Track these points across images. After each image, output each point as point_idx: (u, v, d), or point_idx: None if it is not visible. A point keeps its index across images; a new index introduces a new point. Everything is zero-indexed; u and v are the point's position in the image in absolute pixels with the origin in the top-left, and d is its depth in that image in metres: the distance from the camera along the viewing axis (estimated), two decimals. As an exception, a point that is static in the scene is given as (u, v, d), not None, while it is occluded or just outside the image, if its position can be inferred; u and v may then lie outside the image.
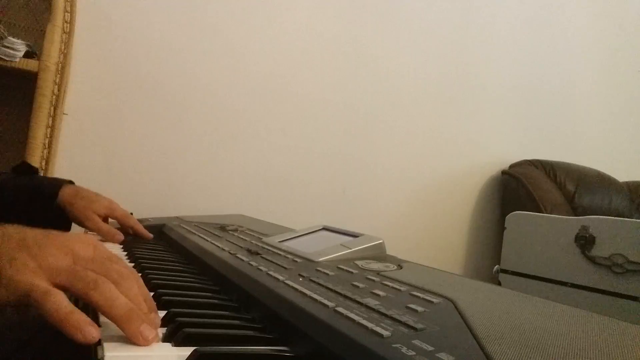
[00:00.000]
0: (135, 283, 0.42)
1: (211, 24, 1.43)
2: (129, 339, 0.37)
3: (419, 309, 0.41)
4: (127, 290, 0.40)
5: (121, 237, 0.86)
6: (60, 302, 0.36)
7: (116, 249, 0.80)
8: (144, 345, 0.37)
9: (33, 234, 0.40)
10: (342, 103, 1.64)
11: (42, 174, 1.03)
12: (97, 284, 0.38)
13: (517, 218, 1.63)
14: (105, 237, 0.84)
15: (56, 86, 1.03)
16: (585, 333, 0.37)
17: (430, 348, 0.32)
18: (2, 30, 1.01)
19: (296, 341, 0.39)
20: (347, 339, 0.35)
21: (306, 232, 0.81)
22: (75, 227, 0.88)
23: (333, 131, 1.63)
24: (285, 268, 0.57)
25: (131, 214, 1.08)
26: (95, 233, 0.85)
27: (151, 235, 0.94)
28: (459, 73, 1.88)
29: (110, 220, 0.92)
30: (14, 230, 0.40)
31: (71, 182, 0.89)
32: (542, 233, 1.51)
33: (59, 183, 0.86)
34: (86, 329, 0.35)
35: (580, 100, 2.23)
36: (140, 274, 0.56)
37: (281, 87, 1.54)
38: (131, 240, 0.88)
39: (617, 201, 1.95)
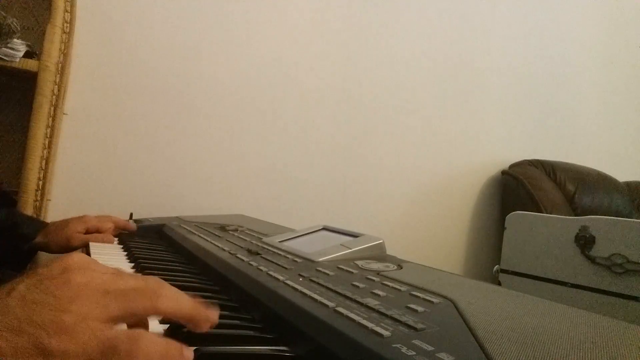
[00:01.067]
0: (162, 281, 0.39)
1: (211, 24, 1.43)
2: (201, 328, 0.36)
3: (419, 309, 0.41)
4: (168, 285, 0.37)
5: (112, 238, 0.87)
6: (154, 341, 0.31)
7: (116, 250, 0.80)
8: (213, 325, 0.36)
9: (25, 285, 0.32)
10: (342, 103, 1.64)
11: (42, 177, 1.02)
12: (155, 292, 0.34)
13: (517, 218, 1.63)
14: (94, 241, 0.84)
15: (56, 86, 1.02)
16: (585, 333, 0.37)
17: (430, 348, 0.32)
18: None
19: (296, 341, 0.39)
20: (347, 339, 0.35)
21: (306, 232, 0.81)
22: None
23: (333, 131, 1.63)
24: (285, 268, 0.57)
25: (131, 214, 1.09)
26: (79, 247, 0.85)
27: (134, 226, 0.95)
28: (459, 73, 1.88)
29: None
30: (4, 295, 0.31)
31: (47, 224, 0.88)
32: (542, 233, 1.51)
33: (39, 225, 0.86)
34: (187, 353, 0.32)
35: (580, 100, 2.23)
36: (140, 274, 0.56)
37: (281, 87, 1.54)
38: (130, 239, 0.88)
39: (617, 201, 1.95)
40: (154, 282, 0.36)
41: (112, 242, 0.86)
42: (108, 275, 0.35)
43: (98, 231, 0.87)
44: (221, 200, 1.45)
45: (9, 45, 1.00)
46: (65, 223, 0.86)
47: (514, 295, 0.49)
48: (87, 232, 0.86)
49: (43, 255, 0.85)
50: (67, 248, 0.83)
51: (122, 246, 0.83)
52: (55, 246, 0.83)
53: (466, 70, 1.90)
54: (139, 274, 0.40)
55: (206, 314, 0.36)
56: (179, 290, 0.37)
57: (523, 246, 1.57)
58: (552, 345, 0.34)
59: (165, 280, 0.57)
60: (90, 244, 0.81)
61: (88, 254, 0.73)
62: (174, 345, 0.32)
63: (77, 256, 0.36)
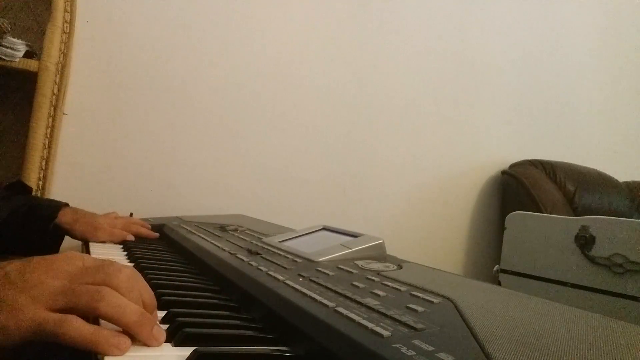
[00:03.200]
0: (135, 283, 0.40)
1: (210, 24, 1.43)
2: (143, 343, 0.37)
3: (419, 309, 0.41)
4: (129, 293, 0.39)
5: (131, 236, 0.88)
6: (80, 325, 0.35)
7: (116, 250, 0.80)
8: (157, 346, 0.37)
9: (14, 267, 0.38)
10: (342, 103, 1.64)
11: (42, 177, 1.03)
12: (101, 295, 0.37)
13: (517, 218, 1.63)
14: (119, 239, 0.86)
15: (56, 86, 1.02)
16: (585, 333, 0.37)
17: (430, 348, 0.32)
18: (5, 25, 1.01)
19: (296, 341, 0.39)
20: (347, 339, 0.35)
21: (306, 232, 0.81)
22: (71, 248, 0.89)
23: (333, 131, 1.63)
24: (285, 268, 0.57)
25: (131, 214, 1.09)
26: (106, 241, 0.86)
27: (156, 234, 0.95)
28: (459, 73, 1.88)
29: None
30: None
31: (67, 205, 0.90)
32: (542, 233, 1.51)
33: (57, 205, 0.87)
34: (119, 341, 0.35)
35: (580, 100, 2.23)
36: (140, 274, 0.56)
37: (281, 87, 1.54)
38: (131, 240, 0.88)
39: (617, 201, 1.95)
40: (116, 282, 0.38)
41: (132, 239, 0.88)
42: (81, 269, 0.39)
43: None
44: (221, 200, 1.45)
45: (5, 45, 1.00)
46: (93, 214, 0.89)
47: (514, 295, 0.49)
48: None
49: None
50: (89, 237, 0.84)
51: (122, 246, 0.84)
52: (80, 232, 0.85)
53: (466, 70, 1.90)
54: (121, 268, 0.41)
55: (148, 333, 0.37)
56: (136, 298, 0.39)
57: (523, 246, 1.57)
58: (552, 345, 0.34)
59: (165, 280, 0.57)
60: (91, 244, 0.81)
61: (88, 253, 0.73)
62: (103, 332, 0.35)
63: (72, 252, 0.41)
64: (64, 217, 0.84)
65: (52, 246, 0.85)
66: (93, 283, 0.38)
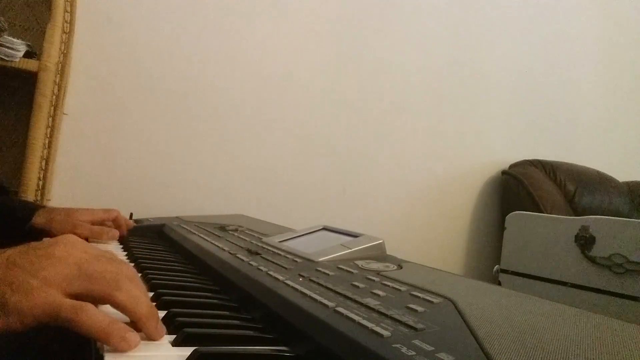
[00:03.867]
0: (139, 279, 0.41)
1: (211, 24, 1.43)
2: (147, 337, 0.37)
3: (419, 309, 0.41)
4: (139, 285, 0.39)
5: (117, 233, 0.85)
6: (96, 314, 0.34)
7: (116, 250, 0.80)
8: (157, 342, 0.37)
9: (15, 251, 0.37)
10: (342, 103, 1.64)
11: (42, 177, 1.02)
12: (119, 283, 0.36)
13: (517, 218, 1.63)
14: (100, 238, 0.83)
15: (56, 86, 1.02)
16: (585, 333, 0.37)
17: (430, 348, 0.32)
18: (2, 22, 1.00)
19: (296, 341, 0.39)
20: (347, 339, 0.35)
21: (306, 232, 0.81)
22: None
23: (333, 131, 1.63)
24: (285, 268, 0.57)
25: (131, 214, 1.09)
26: (89, 238, 0.83)
27: (132, 223, 0.94)
28: (459, 73, 1.88)
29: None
30: None
31: (43, 207, 0.88)
32: (542, 233, 1.51)
33: (32, 207, 0.85)
34: (130, 336, 0.35)
35: (580, 100, 2.23)
36: (140, 274, 0.57)
37: (281, 86, 1.54)
38: (130, 239, 0.88)
39: (617, 201, 1.95)
40: (126, 273, 0.39)
41: (115, 239, 0.85)
42: (87, 255, 0.39)
43: (102, 223, 0.87)
44: (221, 200, 1.45)
45: (5, 44, 1.00)
46: (72, 210, 0.85)
47: (514, 295, 0.49)
48: (93, 224, 0.85)
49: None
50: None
51: (122, 246, 0.83)
52: (59, 231, 0.82)
53: (466, 70, 1.90)
54: (123, 261, 0.41)
55: (155, 328, 0.37)
56: (143, 292, 0.39)
57: (523, 246, 1.57)
58: (552, 345, 0.34)
59: (165, 280, 0.57)
60: (90, 241, 0.81)
61: None
62: (118, 325, 0.34)
63: (71, 235, 0.41)
64: (38, 219, 0.82)
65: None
66: (104, 271, 0.38)
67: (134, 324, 0.37)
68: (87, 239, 0.80)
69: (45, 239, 0.39)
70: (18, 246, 0.38)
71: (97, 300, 0.37)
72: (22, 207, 0.86)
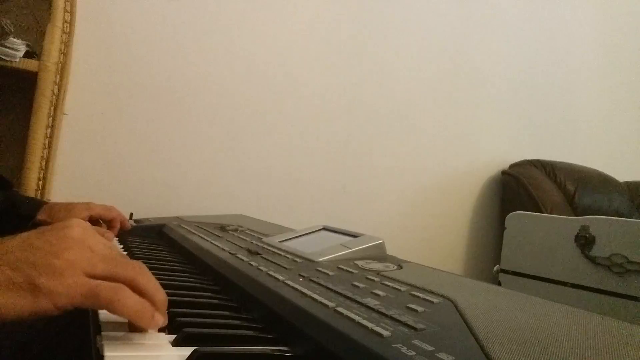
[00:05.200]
0: None
1: (211, 24, 1.43)
2: (154, 326, 0.37)
3: (419, 309, 0.41)
4: (151, 275, 0.40)
5: (111, 235, 0.85)
6: (132, 295, 0.35)
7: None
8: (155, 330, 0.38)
9: (30, 234, 0.36)
10: (342, 103, 1.64)
11: (42, 177, 1.03)
12: (142, 269, 0.37)
13: (517, 218, 1.63)
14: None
15: (56, 86, 1.02)
16: (584, 333, 0.37)
17: (430, 348, 0.32)
18: (9, 26, 1.01)
19: (296, 341, 0.39)
20: (347, 339, 0.35)
21: (306, 232, 0.81)
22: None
23: (333, 131, 1.63)
24: (285, 268, 0.57)
25: (131, 214, 1.09)
26: None
27: (129, 224, 0.94)
28: (459, 73, 1.88)
29: None
30: (5, 238, 0.36)
31: (46, 203, 0.89)
32: (542, 233, 1.51)
33: (38, 203, 0.86)
34: (158, 318, 0.36)
35: (580, 100, 2.23)
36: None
37: (281, 86, 1.54)
38: (130, 239, 0.88)
39: (617, 201, 1.95)
40: (137, 263, 0.39)
41: (110, 239, 0.85)
42: (103, 241, 0.39)
43: (101, 219, 0.88)
44: (221, 200, 1.45)
45: (6, 45, 1.00)
46: (71, 206, 0.86)
47: (514, 295, 0.49)
48: (91, 219, 0.86)
49: None
50: None
51: (122, 246, 0.83)
52: None
53: (466, 70, 1.90)
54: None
55: (165, 315, 0.38)
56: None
57: (523, 246, 1.57)
58: (552, 346, 0.34)
59: (165, 280, 0.57)
60: None
61: None
62: (148, 306, 0.35)
63: (80, 220, 0.41)
64: (40, 216, 0.83)
65: None
66: (124, 256, 0.39)
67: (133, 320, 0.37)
68: None
69: (57, 224, 0.39)
70: (27, 231, 0.37)
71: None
72: (27, 203, 0.86)
